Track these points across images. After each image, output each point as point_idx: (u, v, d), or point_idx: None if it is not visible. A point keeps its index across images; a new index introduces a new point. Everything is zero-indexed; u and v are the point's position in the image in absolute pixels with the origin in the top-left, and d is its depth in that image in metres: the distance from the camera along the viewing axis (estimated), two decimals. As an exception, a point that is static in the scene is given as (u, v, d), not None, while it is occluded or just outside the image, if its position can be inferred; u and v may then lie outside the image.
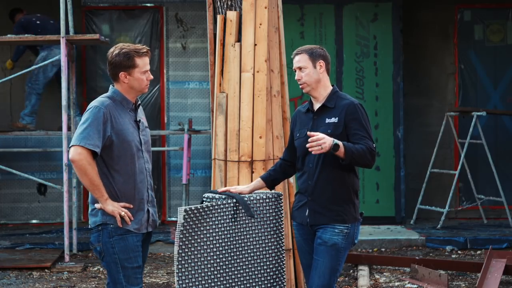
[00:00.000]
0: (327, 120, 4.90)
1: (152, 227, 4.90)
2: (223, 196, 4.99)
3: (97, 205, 4.73)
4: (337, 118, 4.87)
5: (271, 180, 5.19)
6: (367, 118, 4.91)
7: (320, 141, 4.65)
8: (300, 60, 4.98)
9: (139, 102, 4.93)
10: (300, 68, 4.98)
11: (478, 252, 9.23)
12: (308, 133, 4.75)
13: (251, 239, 5.01)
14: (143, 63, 4.79)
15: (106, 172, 4.71)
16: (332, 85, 5.04)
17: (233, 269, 4.95)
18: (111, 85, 4.87)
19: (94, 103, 4.75)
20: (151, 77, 4.87)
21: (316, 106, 5.00)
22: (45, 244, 9.38)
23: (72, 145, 4.66)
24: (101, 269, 8.48)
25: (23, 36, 9.23)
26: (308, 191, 4.94)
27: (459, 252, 9.27)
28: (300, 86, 5.00)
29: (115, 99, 4.79)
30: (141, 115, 4.93)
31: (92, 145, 4.63)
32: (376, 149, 4.89)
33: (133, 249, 4.77)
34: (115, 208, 4.69)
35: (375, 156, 4.87)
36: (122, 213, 4.70)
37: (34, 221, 10.90)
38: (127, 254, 4.75)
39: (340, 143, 4.70)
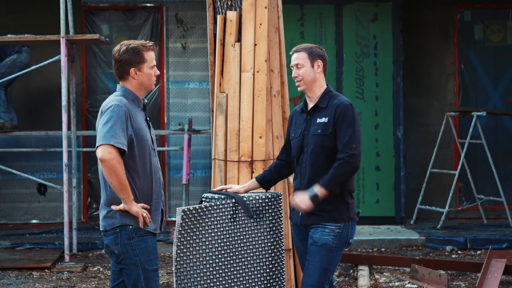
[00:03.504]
0: (318, 120, 4.91)
1: (163, 227, 4.85)
2: (222, 196, 4.98)
3: (115, 207, 4.60)
4: (327, 118, 4.88)
5: (265, 181, 5.19)
6: (355, 118, 4.87)
7: (299, 206, 4.83)
8: (299, 58, 4.98)
9: (146, 101, 4.87)
10: (297, 66, 4.98)
11: (478, 252, 9.23)
12: (292, 204, 4.91)
13: (250, 239, 5.01)
14: (151, 57, 4.73)
15: (126, 172, 4.57)
16: (327, 84, 5.04)
17: (232, 269, 4.94)
18: (118, 85, 4.79)
19: (113, 102, 4.61)
20: (158, 72, 4.81)
21: (310, 106, 5.01)
22: (45, 244, 9.38)
23: (100, 144, 4.51)
24: (101, 269, 8.48)
25: (23, 36, 9.23)
26: (301, 190, 4.95)
27: (459, 252, 9.27)
28: (296, 84, 5.01)
29: (128, 98, 4.68)
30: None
31: (121, 144, 4.50)
32: (358, 148, 4.82)
33: (153, 251, 4.69)
34: (139, 209, 4.59)
35: (356, 160, 4.81)
36: (144, 214, 4.61)
37: (34, 221, 10.90)
38: (147, 256, 4.66)
39: (316, 190, 4.78)
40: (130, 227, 4.61)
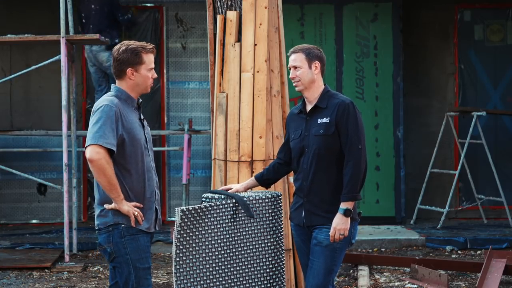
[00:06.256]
0: (319, 121, 4.92)
1: (158, 226, 4.87)
2: (222, 196, 4.98)
3: (107, 206, 4.66)
4: (328, 118, 4.89)
5: (264, 180, 5.21)
6: (357, 117, 4.88)
7: (340, 233, 4.79)
8: (296, 59, 4.98)
9: (141, 100, 4.91)
10: (295, 67, 4.98)
11: (478, 252, 9.23)
12: (330, 237, 4.83)
13: (250, 239, 5.01)
14: (149, 60, 4.76)
15: (117, 171, 4.63)
16: (324, 84, 5.04)
17: (232, 269, 4.94)
18: (112, 84, 4.84)
19: (103, 102, 4.67)
20: (156, 75, 4.84)
21: (308, 107, 5.01)
22: (45, 244, 9.38)
23: (89, 145, 4.57)
24: (101, 269, 8.48)
25: (23, 36, 9.22)
26: (304, 191, 4.95)
27: (459, 252, 9.27)
28: (294, 84, 5.03)
29: (120, 98, 4.73)
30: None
31: (109, 144, 4.56)
32: (364, 148, 4.86)
33: (144, 250, 4.73)
34: (130, 208, 4.64)
35: (364, 157, 4.85)
36: (136, 213, 4.65)
37: (34, 221, 10.90)
38: (139, 255, 4.70)
39: (344, 205, 4.78)
40: (122, 225, 4.67)
